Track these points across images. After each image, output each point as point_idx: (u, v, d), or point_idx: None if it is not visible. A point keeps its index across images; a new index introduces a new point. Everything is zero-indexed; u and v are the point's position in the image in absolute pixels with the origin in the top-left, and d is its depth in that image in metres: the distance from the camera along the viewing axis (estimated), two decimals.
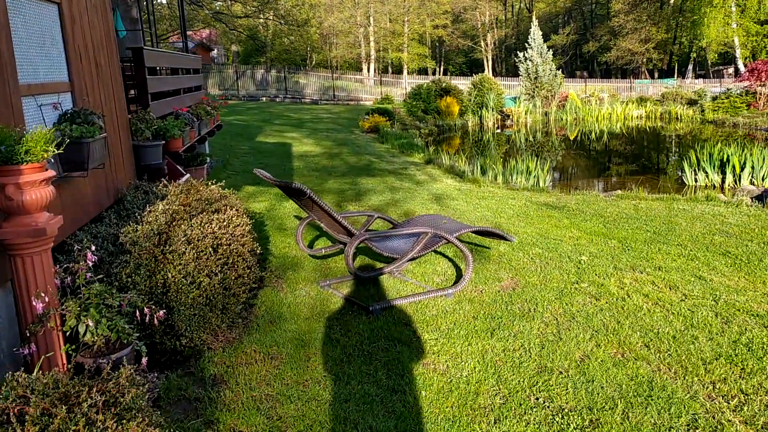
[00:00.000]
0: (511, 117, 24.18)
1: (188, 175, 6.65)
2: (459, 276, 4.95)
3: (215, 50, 55.52)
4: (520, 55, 26.15)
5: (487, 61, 63.50)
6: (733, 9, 38.45)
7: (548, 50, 26.03)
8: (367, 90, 38.29)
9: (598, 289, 4.60)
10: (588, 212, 7.28)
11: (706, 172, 9.44)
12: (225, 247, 4.11)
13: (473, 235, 5.53)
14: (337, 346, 3.72)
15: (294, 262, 5.33)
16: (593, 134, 20.33)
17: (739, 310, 4.20)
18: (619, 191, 8.37)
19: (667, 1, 56.85)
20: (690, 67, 51.78)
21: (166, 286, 3.54)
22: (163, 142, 5.86)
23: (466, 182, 9.93)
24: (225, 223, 4.40)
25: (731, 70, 47.44)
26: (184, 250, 3.78)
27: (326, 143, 14.87)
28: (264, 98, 33.76)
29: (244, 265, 4.22)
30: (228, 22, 30.55)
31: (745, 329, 3.88)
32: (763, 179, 9.08)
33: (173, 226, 4.07)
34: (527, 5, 73.50)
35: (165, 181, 5.77)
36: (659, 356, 3.52)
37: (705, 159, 9.57)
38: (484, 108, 23.21)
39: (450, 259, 5.39)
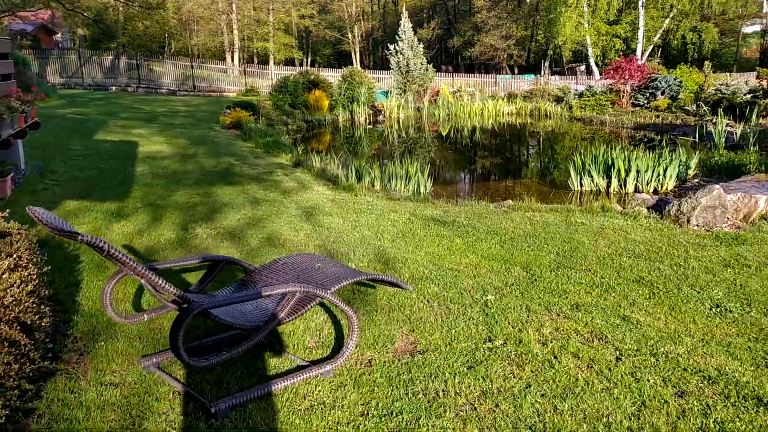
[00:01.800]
0: (383, 112, 23.35)
1: None
2: (340, 337, 3.75)
3: (59, 33, 50.11)
4: (391, 47, 25.38)
5: (355, 53, 62.92)
6: (585, 9, 40.36)
7: (419, 43, 25.48)
8: (231, 81, 35.97)
9: (517, 348, 3.59)
10: (481, 229, 6.37)
11: (592, 176, 8.96)
12: None
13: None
14: None
15: (111, 322, 3.85)
16: (466, 130, 19.99)
17: (686, 370, 3.36)
18: (510, 201, 7.58)
19: (524, 0, 59.26)
20: (546, 63, 54.32)
21: None
22: None
23: (341, 190, 8.76)
24: None
25: (583, 67, 50.31)
26: None
27: (180, 142, 13.05)
28: (114, 87, 30.50)
29: (13, 356, 2.74)
30: (66, 2, 27.07)
31: (707, 404, 3.02)
32: (647, 183, 8.73)
33: None
34: None
35: None
36: None
37: (589, 162, 9.09)
38: (356, 102, 22.18)
39: (326, 308, 4.17)
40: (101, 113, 17.78)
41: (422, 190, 9.42)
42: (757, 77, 34.87)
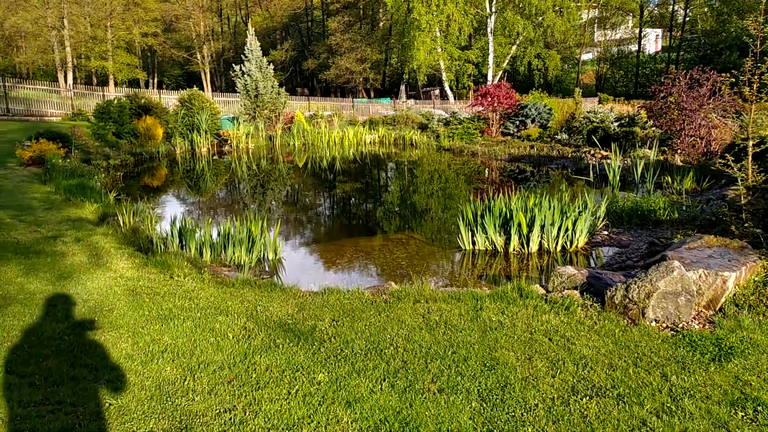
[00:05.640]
0: (229, 141, 20.54)
1: None
2: None
3: None
4: (236, 68, 22.66)
5: (205, 74, 59.09)
6: (438, 34, 40.16)
7: (269, 64, 22.99)
8: (58, 103, 31.17)
9: None
10: (357, 345, 4.12)
11: (486, 232, 7.07)
12: None
13: None
14: None
15: None
16: (325, 162, 17.76)
17: None
18: (394, 284, 5.40)
19: (377, 24, 58.76)
20: (402, 87, 53.93)
21: None
22: None
23: (152, 267, 6.13)
24: None
25: (438, 91, 50.36)
26: None
27: None
28: None
29: None
30: None
31: None
32: (554, 240, 6.99)
33: None
34: (243, 18, 70.66)
35: None
36: None
37: (481, 212, 7.22)
38: (196, 131, 19.22)
39: None
40: None
41: (270, 256, 7.04)
42: (600, 102, 36.38)
